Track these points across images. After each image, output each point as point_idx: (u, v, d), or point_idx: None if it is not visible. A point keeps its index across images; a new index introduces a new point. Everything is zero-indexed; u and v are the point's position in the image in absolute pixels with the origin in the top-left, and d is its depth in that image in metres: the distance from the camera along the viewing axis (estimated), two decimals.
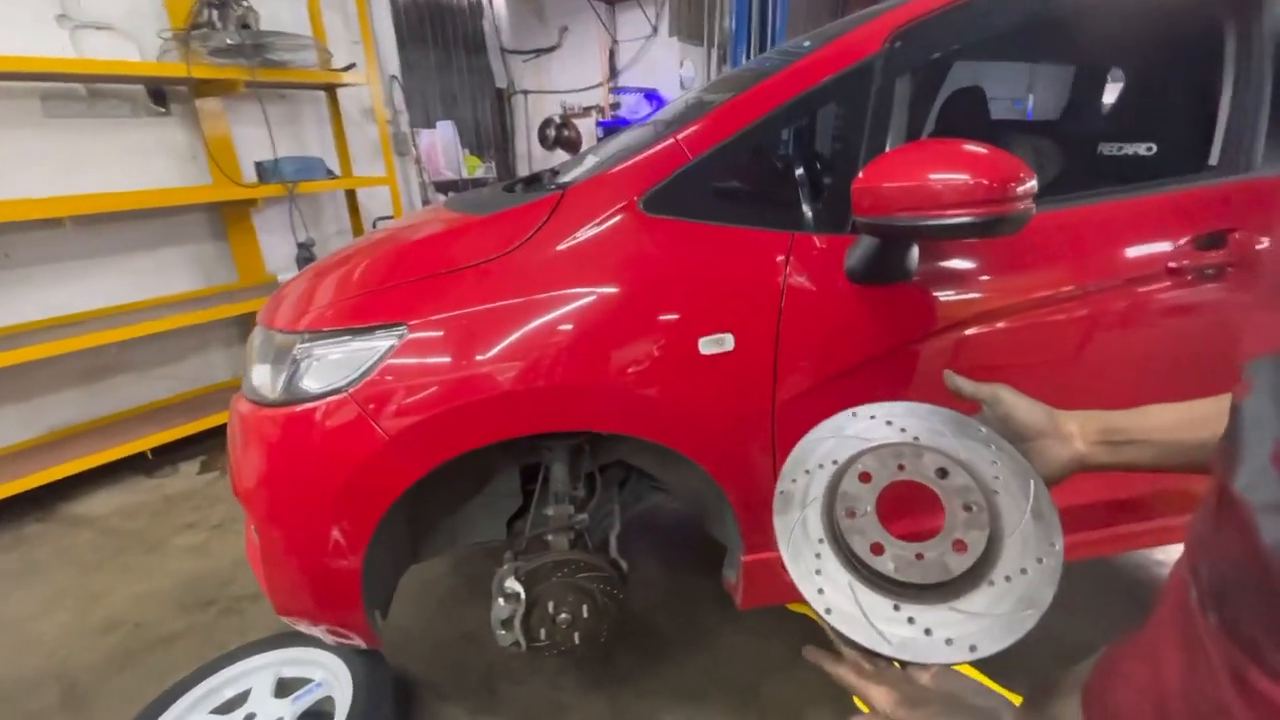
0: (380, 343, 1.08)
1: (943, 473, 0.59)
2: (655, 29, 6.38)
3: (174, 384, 3.32)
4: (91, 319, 2.89)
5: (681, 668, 1.73)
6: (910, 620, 0.54)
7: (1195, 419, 0.60)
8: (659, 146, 1.16)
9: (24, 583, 2.20)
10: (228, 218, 3.37)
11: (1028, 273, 1.21)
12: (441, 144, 4.94)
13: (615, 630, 1.42)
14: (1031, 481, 0.59)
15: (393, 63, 4.17)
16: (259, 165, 3.22)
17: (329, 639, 1.34)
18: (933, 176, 0.99)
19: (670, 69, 6.58)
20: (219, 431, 2.57)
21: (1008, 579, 0.54)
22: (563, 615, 1.33)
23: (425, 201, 5.00)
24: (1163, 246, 1.26)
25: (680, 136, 1.15)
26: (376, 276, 1.17)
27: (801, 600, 0.55)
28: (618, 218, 1.13)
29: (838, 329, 1.16)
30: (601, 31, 6.73)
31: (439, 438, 1.08)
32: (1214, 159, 1.39)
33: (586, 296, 1.09)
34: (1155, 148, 1.68)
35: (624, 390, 1.10)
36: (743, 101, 1.16)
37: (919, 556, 0.55)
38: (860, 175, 1.05)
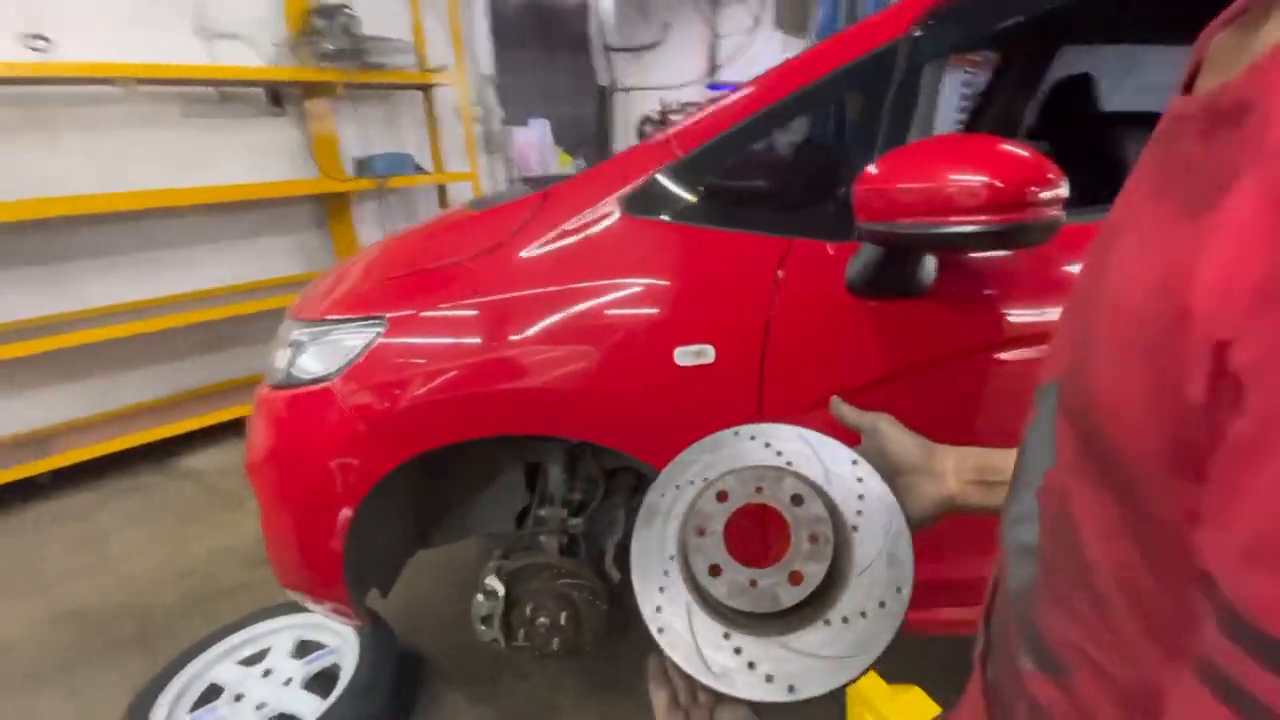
0: (360, 335, 1.11)
1: (798, 500, 0.55)
2: (758, 20, 6.20)
3: None
4: (212, 296, 3.26)
5: None
6: (737, 651, 0.52)
7: None
8: (647, 144, 1.10)
9: (133, 525, 2.52)
10: (329, 209, 3.67)
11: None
12: (535, 141, 5.10)
13: (605, 637, 1.39)
14: (893, 521, 0.55)
15: (487, 63, 4.34)
16: (357, 161, 3.47)
17: (329, 614, 1.41)
18: (940, 177, 0.86)
19: (772, 62, 6.36)
20: None
21: (845, 620, 0.51)
22: (541, 619, 1.31)
23: None
24: None
25: (672, 133, 1.08)
26: (372, 272, 1.21)
27: None
28: (596, 217, 1.08)
29: (834, 347, 1.05)
30: (703, 26, 6.65)
31: (408, 431, 1.10)
32: None
33: (554, 298, 1.06)
34: None
35: (587, 397, 1.05)
36: (743, 95, 1.07)
37: (752, 584, 0.52)
38: (863, 175, 0.94)
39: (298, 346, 1.18)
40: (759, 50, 6.37)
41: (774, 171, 1.13)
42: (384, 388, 1.09)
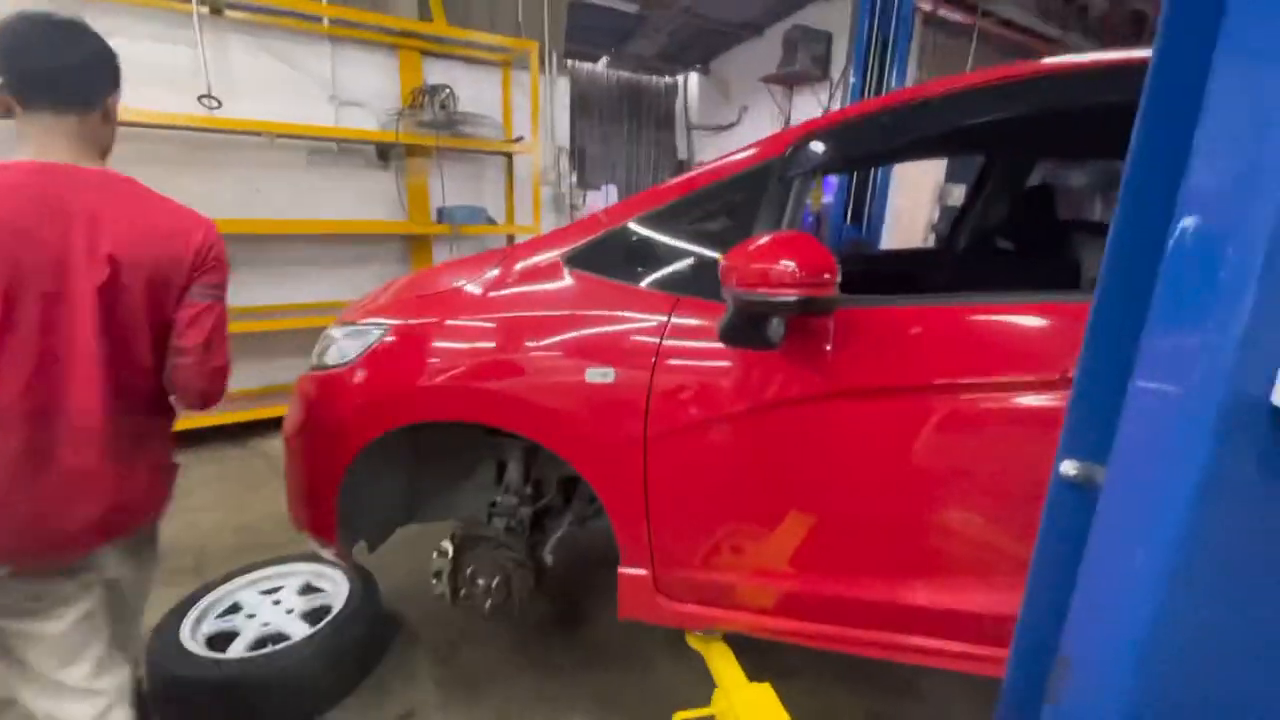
0: (370, 335, 1.52)
1: None
2: (825, 110, 6.62)
3: None
4: (307, 309, 3.90)
5: (609, 675, 1.90)
6: None
7: None
8: (589, 217, 1.47)
9: (209, 487, 3.06)
10: (414, 249, 4.31)
11: (903, 358, 1.28)
12: (602, 204, 5.69)
13: (527, 606, 1.67)
14: None
15: (564, 136, 4.97)
16: (439, 210, 4.10)
17: (332, 558, 1.78)
18: (765, 261, 1.17)
19: None
20: None
21: None
22: (480, 581, 1.63)
23: None
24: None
25: (603, 212, 1.45)
26: (392, 292, 1.63)
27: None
28: (545, 266, 1.46)
29: (703, 382, 1.35)
30: (776, 112, 7.14)
31: (389, 410, 1.48)
32: None
33: (504, 322, 1.43)
34: None
35: (522, 397, 1.40)
36: (663, 189, 1.45)
37: None
38: (728, 254, 1.26)
39: (330, 341, 1.61)
40: None
41: (676, 244, 1.46)
42: (376, 375, 1.49)
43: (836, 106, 6.54)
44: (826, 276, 1.11)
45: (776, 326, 1.28)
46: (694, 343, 1.35)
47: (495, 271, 1.52)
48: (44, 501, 1.01)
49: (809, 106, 6.75)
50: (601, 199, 5.66)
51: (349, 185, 4.03)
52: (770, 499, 1.38)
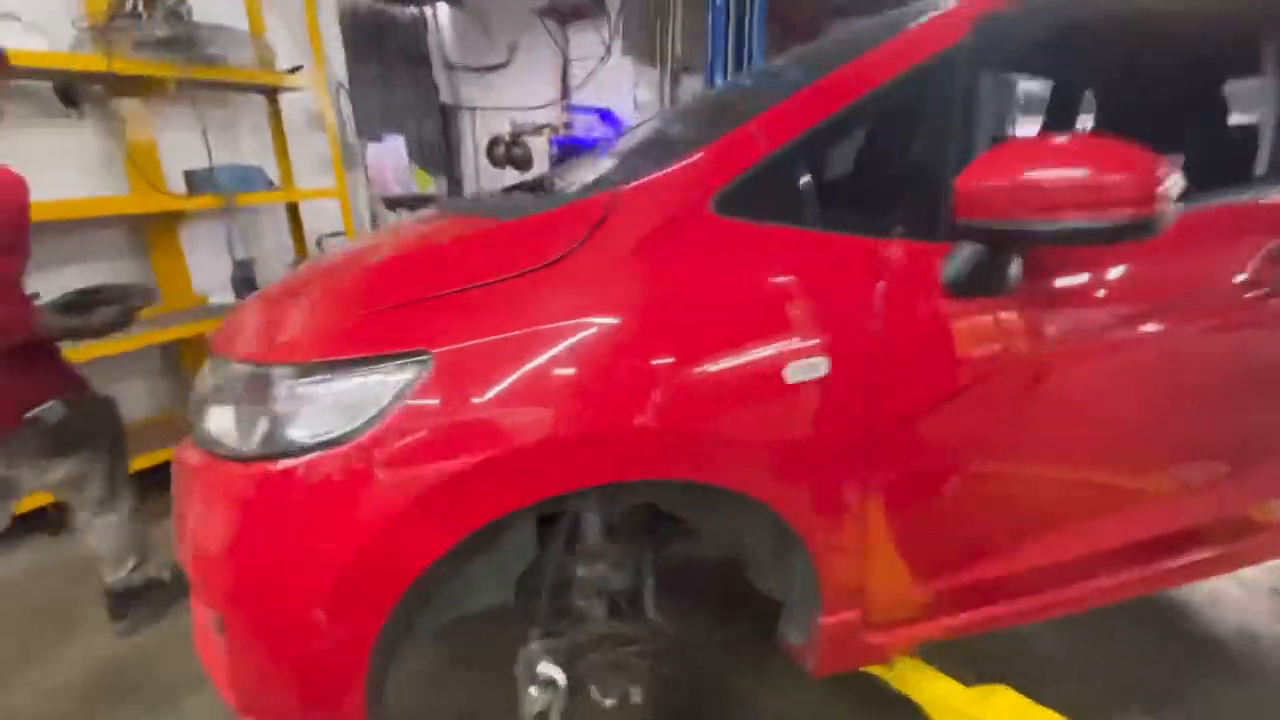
0: (395, 376, 0.84)
1: None
2: (609, 49, 6.29)
3: None
4: None
5: None
6: None
7: None
8: (732, 135, 0.98)
9: None
10: (150, 233, 2.97)
11: (1143, 282, 1.11)
12: (391, 158, 4.64)
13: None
14: None
15: (340, 70, 3.86)
16: (189, 175, 2.84)
17: None
18: (1055, 174, 0.86)
19: (625, 90, 6.49)
20: (142, 476, 2.18)
21: None
22: (610, 701, 1.10)
23: (374, 218, 4.67)
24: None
25: (758, 123, 0.98)
26: (385, 291, 0.93)
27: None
28: (685, 221, 0.94)
29: (940, 348, 1.01)
30: (554, 50, 6.60)
31: (476, 498, 0.85)
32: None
33: (652, 318, 0.90)
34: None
35: (701, 432, 0.90)
36: (829, 84, 1.01)
37: None
38: (965, 173, 0.91)
39: (282, 399, 0.86)
40: (611, 77, 6.47)
41: (858, 172, 1.08)
42: (436, 446, 0.83)
43: (618, 43, 6.26)
44: (1160, 189, 0.85)
45: (1016, 266, 1.00)
46: (917, 300, 0.99)
47: (592, 239, 0.93)
48: None
49: (591, 44, 6.36)
50: (388, 153, 4.62)
51: (11, 145, 2.56)
52: (1048, 453, 1.16)
